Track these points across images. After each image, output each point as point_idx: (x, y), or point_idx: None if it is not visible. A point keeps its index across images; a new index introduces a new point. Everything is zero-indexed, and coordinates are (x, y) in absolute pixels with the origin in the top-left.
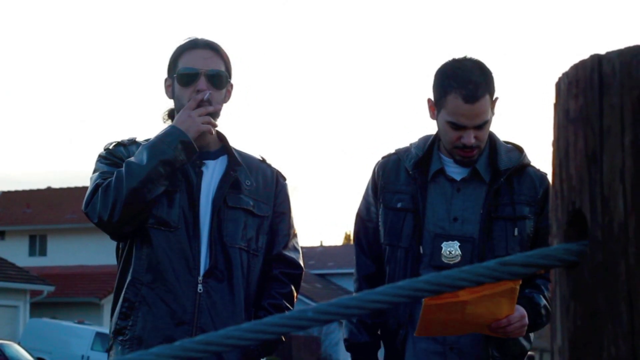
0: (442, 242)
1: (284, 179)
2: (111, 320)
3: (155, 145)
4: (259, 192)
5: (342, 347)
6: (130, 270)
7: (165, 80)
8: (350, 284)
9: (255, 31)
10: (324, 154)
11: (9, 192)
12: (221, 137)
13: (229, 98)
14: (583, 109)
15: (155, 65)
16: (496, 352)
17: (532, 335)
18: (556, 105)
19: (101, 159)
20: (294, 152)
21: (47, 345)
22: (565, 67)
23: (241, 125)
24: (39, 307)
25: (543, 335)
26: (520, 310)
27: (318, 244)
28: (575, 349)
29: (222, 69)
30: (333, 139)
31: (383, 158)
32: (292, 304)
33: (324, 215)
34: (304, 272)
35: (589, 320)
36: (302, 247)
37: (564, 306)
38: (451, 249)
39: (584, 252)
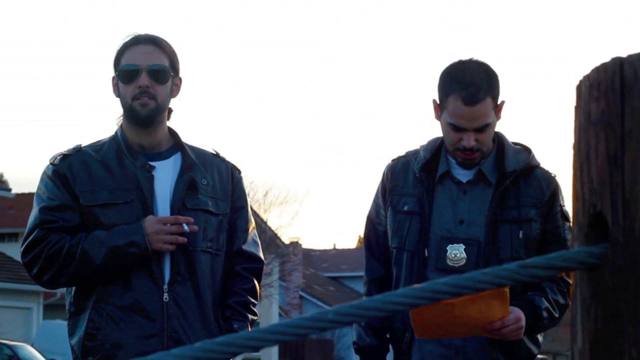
0: (447, 245)
1: (239, 172)
2: (71, 339)
3: (115, 251)
4: (215, 190)
5: None
6: (93, 290)
7: (113, 78)
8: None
9: (266, 33)
10: (337, 156)
11: (22, 195)
12: (173, 133)
13: (177, 93)
14: (604, 112)
15: None
16: (501, 356)
17: (540, 338)
18: (577, 108)
19: (45, 180)
20: (307, 155)
21: (60, 347)
22: (587, 70)
23: (254, 125)
24: (52, 309)
25: (557, 338)
26: (516, 312)
27: (331, 247)
28: (596, 352)
29: (165, 63)
30: (347, 141)
31: (393, 161)
32: (255, 299)
33: (337, 218)
34: (264, 265)
35: (609, 322)
36: (315, 250)
37: (584, 309)
38: (456, 252)
39: (605, 254)
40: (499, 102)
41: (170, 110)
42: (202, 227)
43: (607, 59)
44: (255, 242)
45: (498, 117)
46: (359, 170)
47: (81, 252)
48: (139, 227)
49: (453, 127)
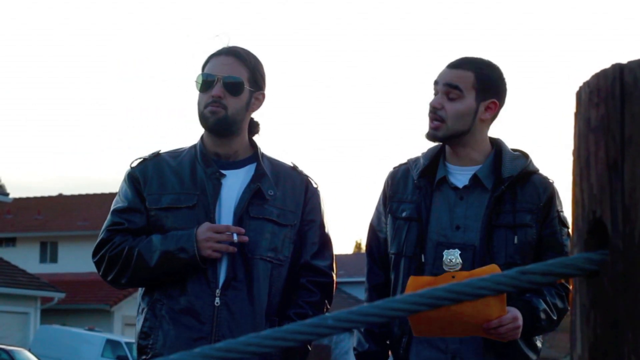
0: (443, 250)
1: (316, 185)
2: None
3: (167, 256)
4: (285, 201)
5: (352, 355)
6: (153, 291)
7: None
8: (360, 292)
9: (266, 33)
10: (335, 162)
11: (20, 199)
12: (253, 144)
13: (257, 107)
14: (604, 118)
15: (170, 73)
16: None
17: (539, 344)
18: (577, 115)
19: (123, 182)
20: (304, 159)
21: (57, 352)
22: (586, 77)
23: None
24: (49, 314)
25: (554, 345)
26: (513, 312)
27: None
28: (595, 359)
29: (243, 76)
30: (346, 147)
31: (394, 168)
32: (319, 313)
33: (334, 224)
34: (335, 280)
35: (609, 329)
36: (334, 261)
37: (584, 315)
38: (452, 257)
39: (604, 261)
40: (487, 97)
41: (255, 124)
42: (265, 236)
43: (607, 64)
44: (326, 255)
45: (484, 115)
46: (357, 176)
47: (137, 255)
48: (190, 234)
49: (433, 88)
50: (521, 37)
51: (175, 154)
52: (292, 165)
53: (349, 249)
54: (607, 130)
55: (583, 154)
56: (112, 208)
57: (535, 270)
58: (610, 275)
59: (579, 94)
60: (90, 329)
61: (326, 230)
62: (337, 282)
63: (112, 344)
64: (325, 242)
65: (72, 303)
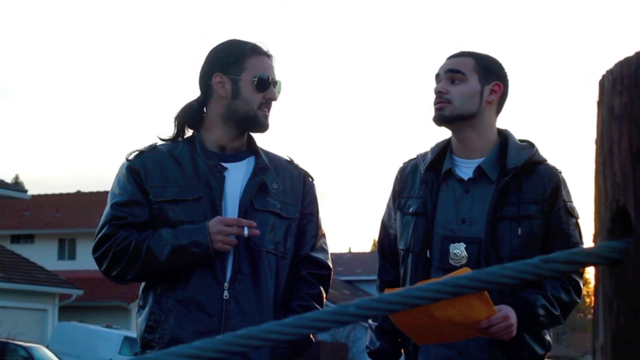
0: (449, 245)
1: (312, 179)
2: (137, 332)
3: (178, 250)
4: (286, 194)
5: None
6: (157, 284)
7: (215, 76)
8: None
9: (273, 34)
10: (353, 159)
11: (38, 196)
12: (249, 137)
13: None
14: (628, 106)
15: (181, 68)
16: (501, 355)
17: (549, 339)
18: (600, 103)
19: (120, 175)
20: (323, 158)
21: (75, 348)
22: (609, 65)
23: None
24: (67, 311)
25: (572, 344)
26: (504, 310)
27: (346, 251)
28: (618, 347)
29: None
30: (363, 144)
31: (404, 163)
32: (321, 305)
33: (352, 222)
34: (332, 273)
35: (632, 318)
36: (330, 254)
37: (606, 304)
38: (457, 251)
39: (627, 249)
40: (490, 80)
41: None
42: (269, 228)
43: (630, 53)
44: (324, 249)
45: (490, 97)
46: (375, 173)
47: (146, 250)
48: (203, 228)
49: (436, 81)
50: (531, 32)
51: (173, 146)
52: (288, 159)
53: (366, 248)
54: (631, 118)
55: (606, 143)
56: (110, 202)
57: (558, 258)
58: (634, 263)
59: (602, 82)
60: (108, 326)
61: (322, 223)
62: (355, 280)
63: (129, 341)
64: (322, 234)
65: (90, 300)
